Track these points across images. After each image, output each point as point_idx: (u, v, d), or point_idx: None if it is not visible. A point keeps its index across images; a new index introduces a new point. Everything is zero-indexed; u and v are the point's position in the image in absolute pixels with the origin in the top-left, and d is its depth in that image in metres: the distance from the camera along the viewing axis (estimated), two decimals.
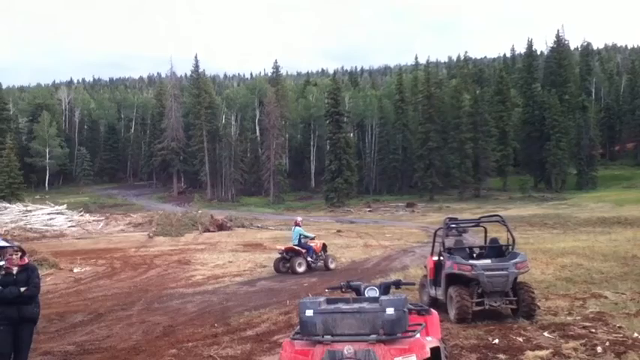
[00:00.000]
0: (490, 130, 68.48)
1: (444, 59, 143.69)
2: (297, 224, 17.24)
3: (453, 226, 10.39)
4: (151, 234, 33.93)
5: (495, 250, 9.75)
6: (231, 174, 75.30)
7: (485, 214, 12.04)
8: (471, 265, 8.94)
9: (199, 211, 45.34)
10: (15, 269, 6.02)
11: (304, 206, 67.60)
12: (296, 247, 16.58)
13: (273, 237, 31.47)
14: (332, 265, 16.89)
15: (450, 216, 11.96)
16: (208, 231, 35.99)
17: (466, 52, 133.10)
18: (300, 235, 16.88)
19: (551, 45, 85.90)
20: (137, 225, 41.70)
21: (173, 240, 31.44)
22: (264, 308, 10.82)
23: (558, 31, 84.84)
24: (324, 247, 17.46)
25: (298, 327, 3.90)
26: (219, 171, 76.92)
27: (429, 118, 70.24)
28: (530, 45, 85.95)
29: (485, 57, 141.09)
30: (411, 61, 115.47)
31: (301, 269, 16.10)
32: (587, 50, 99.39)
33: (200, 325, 9.55)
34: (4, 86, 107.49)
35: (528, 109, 75.68)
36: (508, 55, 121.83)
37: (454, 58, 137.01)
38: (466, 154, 66.68)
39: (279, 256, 16.69)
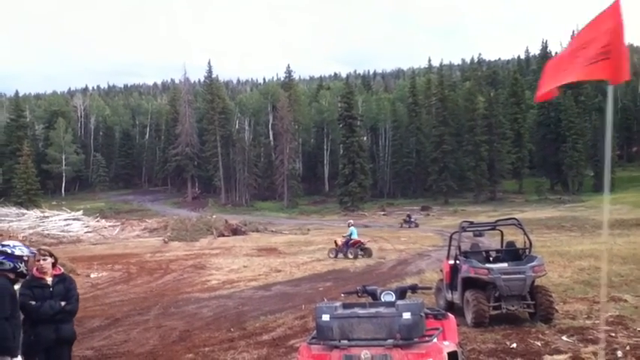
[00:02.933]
0: (505, 132, 68.00)
1: (457, 62, 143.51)
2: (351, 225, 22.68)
3: (469, 229, 10.32)
4: (166, 239, 34.17)
5: (512, 254, 9.67)
6: (244, 179, 75.59)
7: (502, 217, 11.93)
8: (488, 268, 8.87)
9: (214, 216, 45.57)
10: (49, 280, 5.03)
11: (318, 210, 67.59)
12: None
13: (288, 241, 31.50)
14: (351, 256, 20.76)
15: (466, 219, 11.89)
16: (223, 236, 36.17)
17: (480, 55, 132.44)
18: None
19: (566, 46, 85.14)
20: (152, 230, 42.04)
21: (188, 245, 31.63)
22: (279, 313, 10.82)
23: (573, 31, 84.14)
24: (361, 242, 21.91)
25: (315, 331, 3.89)
26: (233, 176, 77.25)
27: (443, 121, 69.96)
28: (544, 46, 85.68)
29: (499, 59, 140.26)
30: (424, 64, 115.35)
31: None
32: None
33: (216, 329, 9.57)
34: (20, 94, 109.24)
35: (544, 111, 74.97)
36: (522, 56, 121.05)
37: (467, 60, 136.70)
38: (481, 156, 66.25)
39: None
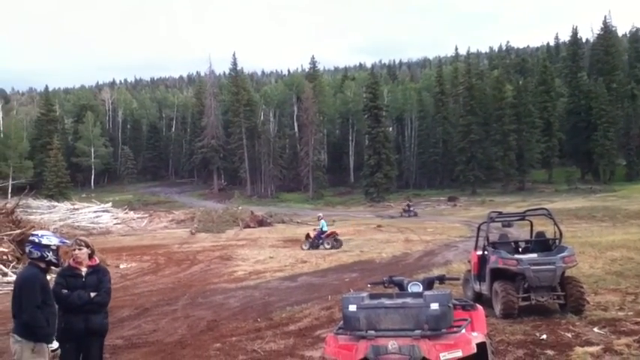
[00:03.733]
0: (534, 121, 66.73)
1: (484, 50, 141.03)
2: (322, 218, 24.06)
3: (498, 220, 10.18)
4: (193, 230, 34.57)
5: (542, 244, 9.53)
6: (270, 170, 75.94)
7: (531, 208, 11.72)
8: (517, 259, 8.77)
9: (239, 208, 45.93)
10: (84, 270, 5.03)
11: (343, 201, 67.54)
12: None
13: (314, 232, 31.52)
14: (327, 246, 21.99)
15: (494, 210, 11.72)
16: (249, 227, 36.44)
17: (508, 42, 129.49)
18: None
19: (598, 32, 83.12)
20: (179, 222, 42.62)
21: (214, 236, 31.95)
22: (305, 303, 10.85)
23: (605, 17, 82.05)
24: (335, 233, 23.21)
25: (341, 322, 3.88)
26: (259, 167, 77.66)
27: (471, 110, 68.97)
28: (575, 33, 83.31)
29: (527, 46, 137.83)
30: (450, 53, 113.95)
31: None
32: (635, 36, 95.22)
33: (243, 319, 9.65)
34: (50, 89, 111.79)
35: (574, 99, 73.46)
36: (552, 43, 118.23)
37: (495, 48, 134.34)
38: (509, 146, 65.17)
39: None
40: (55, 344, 4.62)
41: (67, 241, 4.85)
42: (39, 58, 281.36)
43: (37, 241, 4.71)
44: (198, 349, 7.75)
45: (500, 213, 10.45)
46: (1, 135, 74.79)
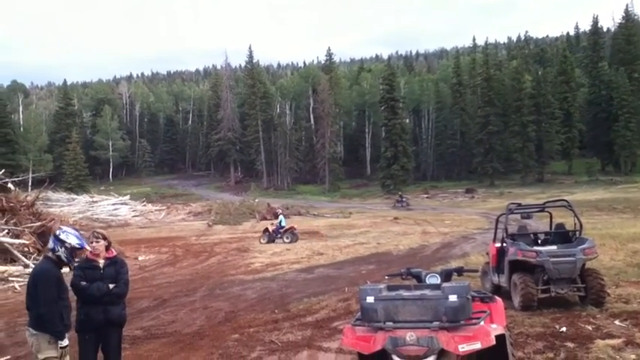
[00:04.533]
0: (554, 112, 65.81)
1: (503, 40, 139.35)
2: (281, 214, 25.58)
3: (517, 211, 10.07)
4: (210, 223, 34.81)
5: (561, 236, 9.44)
6: (286, 163, 76.06)
7: (550, 199, 11.59)
8: (536, 251, 8.69)
9: (256, 200, 46.14)
10: (102, 262, 5.08)
11: (360, 194, 67.43)
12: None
13: (330, 225, 31.58)
14: (286, 240, 22.62)
15: (513, 201, 11.60)
16: (265, 219, 36.52)
17: (526, 32, 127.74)
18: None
19: (619, 21, 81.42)
20: (197, 214, 42.92)
21: (232, 228, 32.16)
22: (322, 295, 10.88)
23: (627, 5, 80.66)
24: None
25: (359, 313, 3.88)
26: (275, 160, 77.82)
27: (489, 101, 68.23)
28: (595, 22, 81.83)
29: (547, 36, 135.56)
30: (468, 44, 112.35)
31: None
32: None
33: (260, 311, 9.70)
34: (68, 83, 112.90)
35: (594, 89, 72.24)
36: (572, 33, 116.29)
37: (514, 38, 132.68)
38: (528, 137, 64.40)
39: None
40: (66, 342, 4.64)
41: (88, 247, 4.82)
42: (57, 53, 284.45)
43: (57, 233, 4.80)
44: (217, 339, 7.81)
45: (519, 205, 10.34)
46: (21, 129, 75.92)
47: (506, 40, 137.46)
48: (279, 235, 22.89)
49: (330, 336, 7.68)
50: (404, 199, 47.43)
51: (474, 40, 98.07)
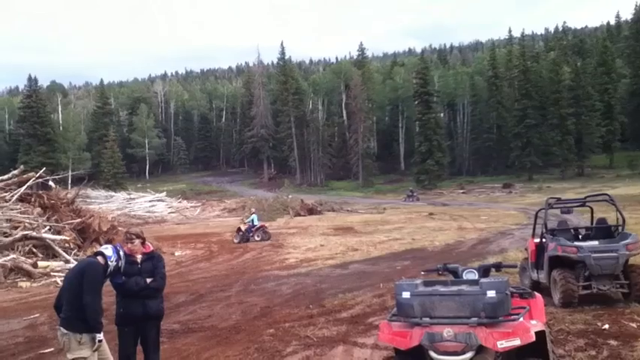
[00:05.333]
0: (594, 104, 63.95)
1: (540, 31, 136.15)
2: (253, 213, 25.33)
3: (556, 206, 9.82)
4: (244, 219, 35.07)
5: (603, 231, 9.15)
6: (319, 159, 76.16)
7: (591, 193, 11.25)
8: (577, 246, 8.47)
9: (289, 196, 46.24)
10: (139, 257, 5.27)
11: (394, 189, 66.99)
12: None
13: (364, 220, 31.46)
14: (257, 238, 22.69)
15: (552, 196, 11.32)
16: (299, 215, 36.70)
17: (564, 23, 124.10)
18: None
19: None
20: (231, 210, 43.41)
21: (265, 224, 32.28)
22: (357, 291, 10.84)
23: None
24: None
25: (395, 309, 3.84)
26: (308, 156, 78.02)
27: (526, 94, 66.75)
28: (638, 10, 78.94)
29: (585, 26, 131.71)
30: (504, 35, 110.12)
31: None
32: None
33: (295, 306, 9.74)
34: (105, 82, 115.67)
35: (637, 80, 69.91)
36: (612, 22, 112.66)
37: (551, 29, 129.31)
38: (567, 130, 62.75)
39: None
40: (101, 336, 4.73)
41: (111, 263, 4.87)
42: (94, 53, 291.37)
43: (117, 247, 5.07)
44: (252, 334, 7.88)
45: (558, 199, 10.09)
46: (61, 128, 78.07)
47: (543, 32, 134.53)
48: (250, 234, 22.97)
49: (365, 332, 7.65)
50: (414, 194, 50.19)
51: (509, 31, 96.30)
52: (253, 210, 27.10)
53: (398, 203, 47.91)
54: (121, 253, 5.00)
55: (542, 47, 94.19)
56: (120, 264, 4.95)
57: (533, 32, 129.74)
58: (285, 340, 7.39)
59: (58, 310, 4.85)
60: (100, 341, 4.72)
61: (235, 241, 22.72)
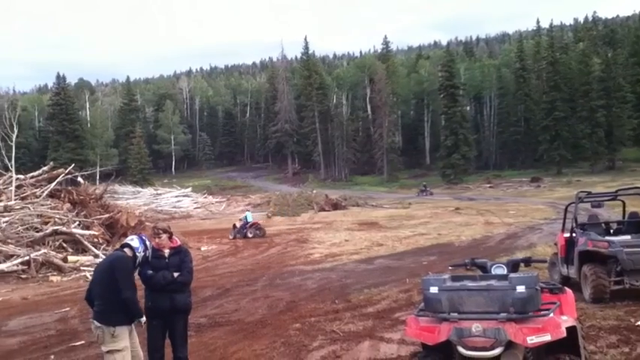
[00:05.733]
0: (625, 95, 62.31)
1: (569, 22, 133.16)
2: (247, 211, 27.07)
3: (587, 200, 9.62)
4: (269, 214, 35.28)
5: (636, 225, 8.94)
6: (343, 153, 75.99)
7: (623, 187, 10.97)
8: (608, 241, 8.29)
9: (314, 191, 46.32)
10: (167, 252, 5.34)
11: (419, 184, 66.37)
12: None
13: (389, 215, 31.33)
14: (250, 235, 23.23)
15: (582, 190, 11.08)
16: (323, 210, 36.70)
17: (594, 12, 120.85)
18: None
19: None
20: (256, 205, 43.63)
21: (290, 219, 32.46)
22: (383, 286, 10.80)
23: None
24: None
25: (422, 304, 3.81)
26: (332, 151, 77.91)
27: (555, 86, 65.40)
28: None
29: (617, 16, 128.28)
30: (531, 26, 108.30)
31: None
32: None
33: (321, 301, 9.75)
34: (131, 79, 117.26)
35: None
36: None
37: (581, 19, 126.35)
38: (597, 123, 61.30)
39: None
40: (144, 318, 4.98)
41: (139, 254, 5.03)
42: (120, 50, 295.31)
43: (144, 237, 5.21)
44: (279, 328, 7.91)
45: (589, 193, 9.88)
46: (88, 125, 79.41)
47: (572, 22, 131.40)
48: (244, 230, 23.61)
49: (391, 327, 7.62)
50: (427, 189, 52.01)
51: (537, 22, 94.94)
52: (249, 208, 29.14)
53: (412, 198, 47.65)
54: (147, 243, 5.12)
55: (572, 38, 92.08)
56: (147, 254, 5.09)
57: (561, 23, 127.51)
58: (312, 335, 7.40)
59: (91, 303, 4.99)
60: (145, 323, 4.98)
61: (230, 236, 23.53)
